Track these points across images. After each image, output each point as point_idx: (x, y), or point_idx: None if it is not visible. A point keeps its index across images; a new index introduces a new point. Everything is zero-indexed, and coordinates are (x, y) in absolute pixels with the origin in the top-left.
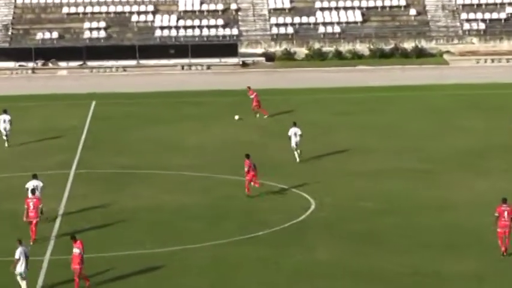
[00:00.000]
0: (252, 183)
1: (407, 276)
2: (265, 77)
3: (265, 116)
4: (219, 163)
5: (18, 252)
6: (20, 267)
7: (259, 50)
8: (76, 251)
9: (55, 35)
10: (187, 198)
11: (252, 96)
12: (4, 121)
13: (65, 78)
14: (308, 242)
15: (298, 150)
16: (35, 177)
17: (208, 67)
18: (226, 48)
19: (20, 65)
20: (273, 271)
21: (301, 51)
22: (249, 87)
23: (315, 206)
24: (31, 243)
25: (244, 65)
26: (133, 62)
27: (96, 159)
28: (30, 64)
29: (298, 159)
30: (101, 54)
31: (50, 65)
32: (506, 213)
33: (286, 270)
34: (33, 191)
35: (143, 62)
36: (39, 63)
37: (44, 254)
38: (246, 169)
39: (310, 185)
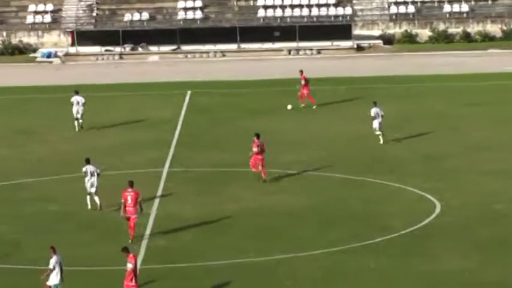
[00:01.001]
0: (260, 168)
1: None
2: (383, 62)
3: (314, 106)
4: (330, 159)
5: (54, 262)
6: (56, 279)
7: (376, 31)
8: (129, 265)
9: (145, 16)
10: (295, 200)
11: (303, 82)
12: (78, 103)
13: (157, 64)
14: (432, 250)
15: (380, 132)
16: (88, 161)
17: (318, 51)
18: (338, 30)
19: (106, 50)
20: (393, 283)
21: (424, 33)
22: (301, 71)
23: (440, 209)
24: (130, 241)
25: (359, 48)
26: (233, 46)
27: (192, 156)
28: (118, 49)
29: (382, 141)
30: (197, 38)
31: (140, 49)
32: None
33: (408, 282)
34: (131, 184)
35: (244, 46)
36: (128, 47)
37: None
38: (255, 150)
39: (435, 185)
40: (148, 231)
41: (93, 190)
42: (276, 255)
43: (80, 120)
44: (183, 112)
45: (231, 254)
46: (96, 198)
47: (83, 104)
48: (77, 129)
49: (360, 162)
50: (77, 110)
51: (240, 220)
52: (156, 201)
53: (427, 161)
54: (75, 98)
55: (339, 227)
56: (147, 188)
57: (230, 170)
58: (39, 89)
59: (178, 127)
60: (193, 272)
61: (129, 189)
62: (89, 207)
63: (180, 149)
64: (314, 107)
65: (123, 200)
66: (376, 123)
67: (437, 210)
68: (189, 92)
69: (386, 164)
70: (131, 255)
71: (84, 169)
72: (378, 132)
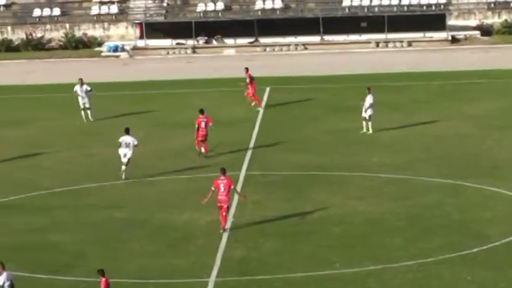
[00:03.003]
0: (202, 144)
1: None
2: (481, 55)
3: (259, 109)
4: (424, 162)
5: (3, 278)
6: None
7: (473, 21)
8: None
9: (220, 5)
10: (385, 206)
11: (247, 81)
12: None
13: (232, 58)
14: None
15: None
16: (127, 131)
17: (409, 44)
18: (431, 20)
19: (177, 43)
20: None
21: None
22: (246, 69)
23: None
24: (221, 231)
25: (454, 40)
26: (316, 38)
27: (272, 158)
28: (190, 42)
29: (365, 130)
30: (276, 29)
31: (214, 42)
32: None
33: None
34: (223, 170)
35: (328, 38)
36: (201, 40)
37: (208, 275)
38: (196, 126)
39: None
40: (224, 241)
41: (124, 160)
42: (364, 266)
43: (88, 111)
44: (261, 110)
45: (315, 265)
46: (124, 169)
47: (88, 94)
48: (85, 121)
49: (455, 165)
50: (83, 102)
51: (325, 228)
52: (233, 207)
53: None
54: (78, 88)
55: (433, 236)
56: None
57: (314, 174)
58: (105, 86)
59: (256, 126)
60: (274, 285)
61: (222, 177)
62: (123, 178)
63: (258, 151)
64: (259, 108)
65: (213, 188)
66: (371, 112)
67: None
68: (267, 89)
69: (484, 166)
70: (104, 279)
71: (120, 139)
72: (369, 122)
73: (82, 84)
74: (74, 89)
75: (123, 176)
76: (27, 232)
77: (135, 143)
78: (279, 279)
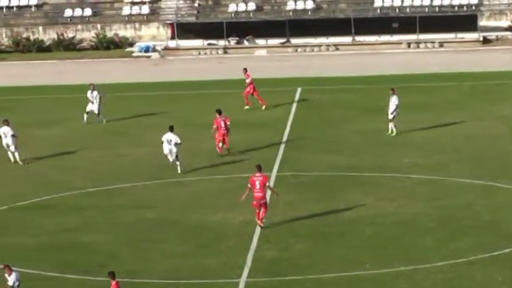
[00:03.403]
0: (224, 144)
1: None
2: None
3: (263, 107)
4: (455, 163)
5: (13, 279)
6: None
7: (505, 22)
8: None
9: (252, 6)
10: (416, 207)
11: (247, 81)
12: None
13: (264, 59)
14: None
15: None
16: (171, 129)
17: (441, 44)
18: (462, 20)
19: (208, 44)
20: None
21: None
22: (245, 69)
23: None
24: (260, 227)
25: (486, 41)
26: (347, 39)
27: (303, 158)
28: (221, 42)
29: (389, 131)
30: (307, 30)
31: (246, 43)
32: None
33: None
34: (259, 167)
35: (360, 38)
36: (232, 41)
37: (239, 276)
38: (214, 127)
39: None
40: (255, 241)
41: (170, 158)
42: (395, 267)
43: (100, 116)
44: (292, 111)
45: (346, 265)
46: (178, 163)
47: (99, 98)
48: (85, 122)
49: (486, 166)
50: (90, 108)
51: (356, 229)
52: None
53: None
54: (89, 94)
55: (465, 236)
56: None
57: (346, 174)
58: (136, 87)
59: (288, 127)
60: (305, 286)
61: (258, 174)
62: (179, 171)
63: (290, 151)
64: (263, 107)
65: (249, 185)
66: (396, 113)
67: None
68: (299, 89)
69: None
70: (114, 282)
71: (162, 138)
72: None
73: (93, 89)
74: (87, 95)
75: (172, 165)
76: (60, 232)
77: (178, 141)
78: (310, 280)
